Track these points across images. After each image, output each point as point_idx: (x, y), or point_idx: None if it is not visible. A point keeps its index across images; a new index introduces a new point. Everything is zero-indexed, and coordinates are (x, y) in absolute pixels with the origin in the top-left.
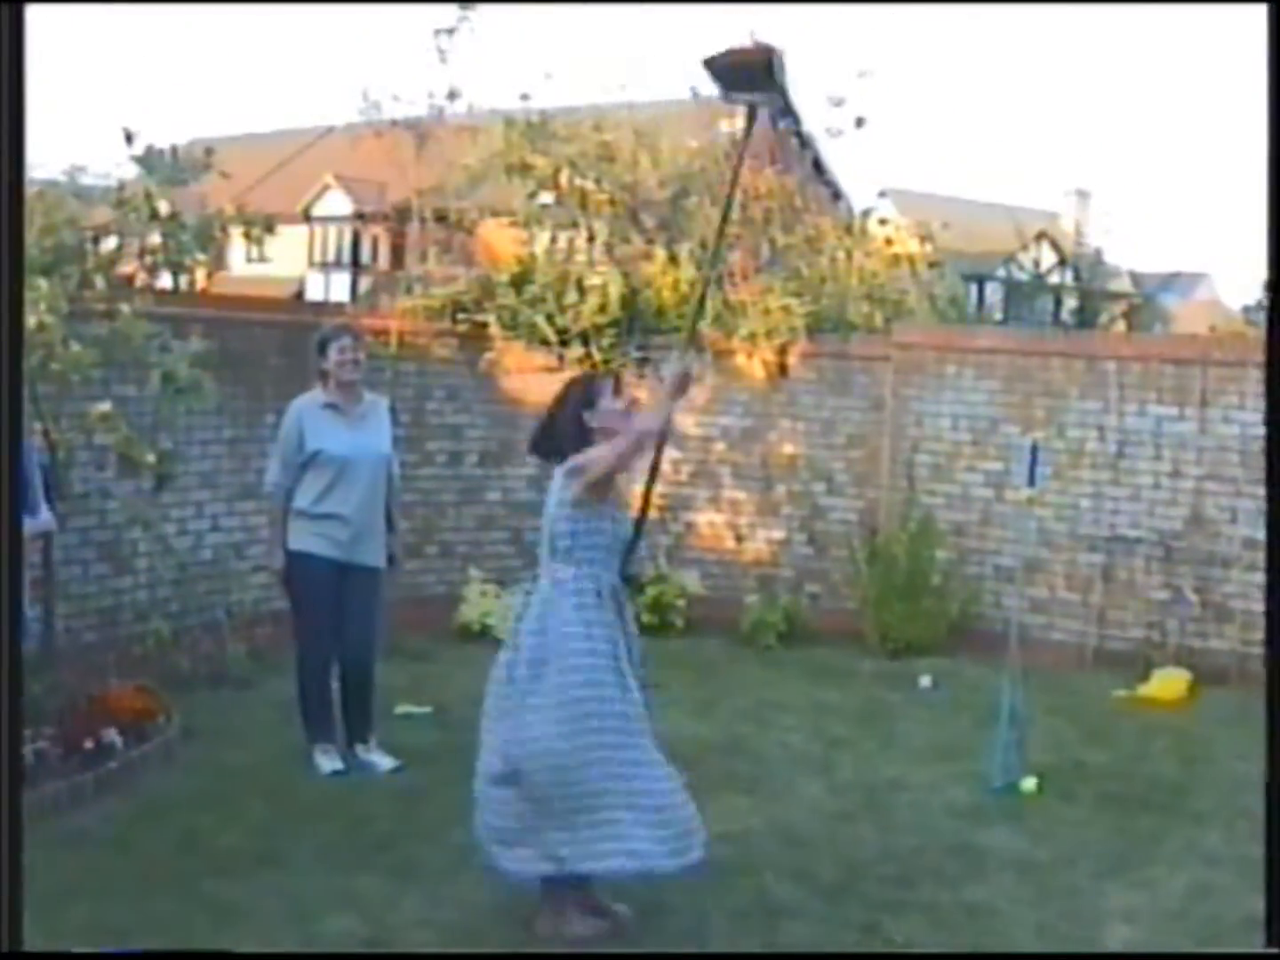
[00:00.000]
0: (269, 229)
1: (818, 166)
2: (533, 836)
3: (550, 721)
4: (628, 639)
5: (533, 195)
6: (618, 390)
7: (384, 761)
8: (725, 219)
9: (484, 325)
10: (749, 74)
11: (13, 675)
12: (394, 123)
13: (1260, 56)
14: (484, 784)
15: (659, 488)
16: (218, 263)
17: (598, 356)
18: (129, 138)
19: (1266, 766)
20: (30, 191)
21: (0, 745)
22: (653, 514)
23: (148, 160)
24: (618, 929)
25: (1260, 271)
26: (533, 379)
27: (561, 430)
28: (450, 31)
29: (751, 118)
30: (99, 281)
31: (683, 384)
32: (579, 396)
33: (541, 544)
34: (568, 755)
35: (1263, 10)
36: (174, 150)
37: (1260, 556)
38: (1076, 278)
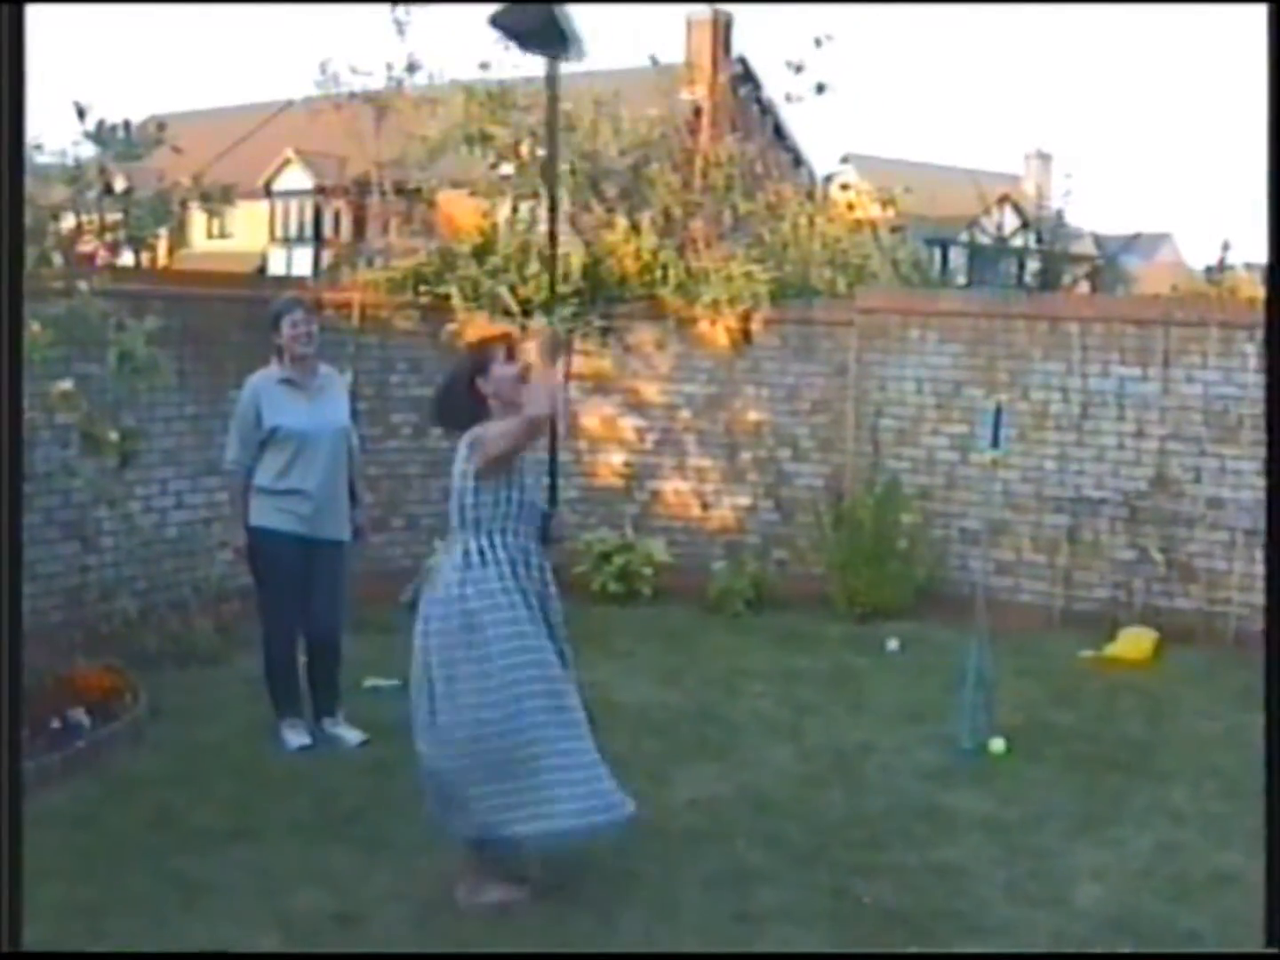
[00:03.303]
0: (227, 200)
1: (779, 133)
2: (461, 800)
3: (476, 691)
4: (545, 602)
5: (494, 166)
6: (510, 356)
7: (351, 735)
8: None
9: (446, 297)
10: (535, 29)
11: (13, 676)
12: (353, 95)
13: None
14: (420, 746)
15: (624, 456)
16: (179, 239)
17: (560, 326)
18: (81, 113)
19: (1266, 766)
20: None
21: (0, 746)
22: (618, 482)
23: (100, 136)
24: (536, 894)
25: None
26: None
27: (457, 400)
28: (408, 2)
29: (553, 72)
30: (57, 260)
31: (554, 347)
32: (471, 365)
33: (451, 513)
34: (495, 724)
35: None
36: (127, 125)
37: (1223, 515)
38: (1039, 240)
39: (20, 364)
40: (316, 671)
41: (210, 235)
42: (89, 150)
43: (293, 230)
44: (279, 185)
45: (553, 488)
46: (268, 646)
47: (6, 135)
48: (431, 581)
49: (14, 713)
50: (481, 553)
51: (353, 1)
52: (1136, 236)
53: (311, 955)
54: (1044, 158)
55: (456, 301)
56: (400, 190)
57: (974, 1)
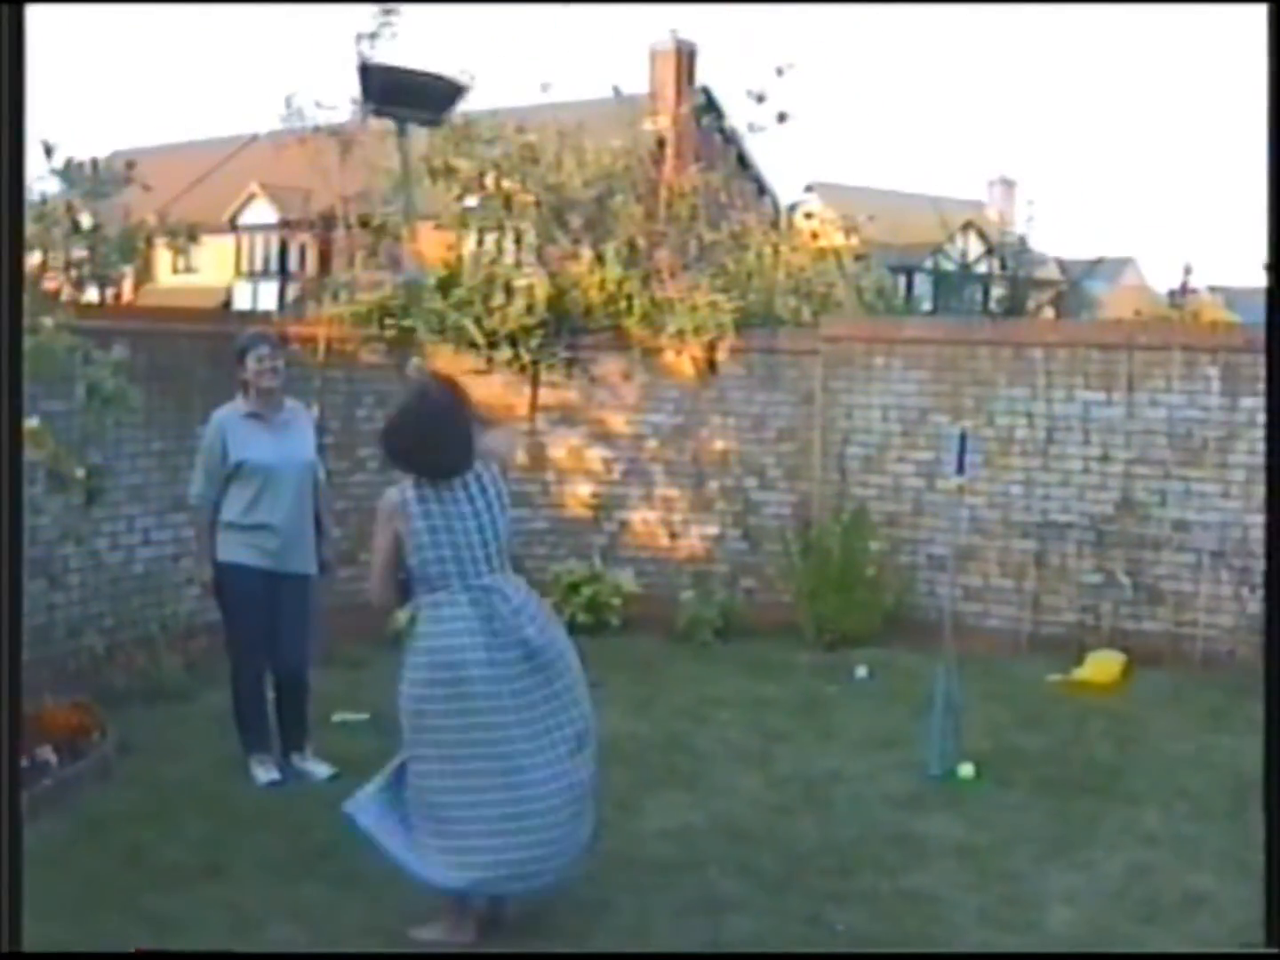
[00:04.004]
0: (192, 239)
1: (742, 162)
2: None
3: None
4: None
5: (458, 198)
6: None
7: (320, 770)
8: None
9: (411, 330)
10: (403, 93)
11: (13, 677)
12: (318, 129)
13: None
14: None
15: (591, 486)
16: (144, 274)
17: (526, 358)
18: (48, 151)
19: (1265, 767)
20: None
21: (1, 749)
22: (586, 513)
23: (68, 173)
24: (507, 925)
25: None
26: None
27: (466, 436)
28: (372, 36)
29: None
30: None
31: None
32: (456, 396)
33: (490, 551)
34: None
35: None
36: (94, 163)
37: (1189, 538)
38: (1003, 266)
39: (20, 363)
40: (285, 706)
41: (175, 270)
42: (54, 186)
43: (258, 264)
44: (244, 219)
45: None
46: (235, 682)
47: (7, 136)
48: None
49: (14, 712)
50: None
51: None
52: (1100, 261)
53: (311, 955)
54: (1007, 184)
55: (422, 335)
56: (365, 223)
57: (942, 1)
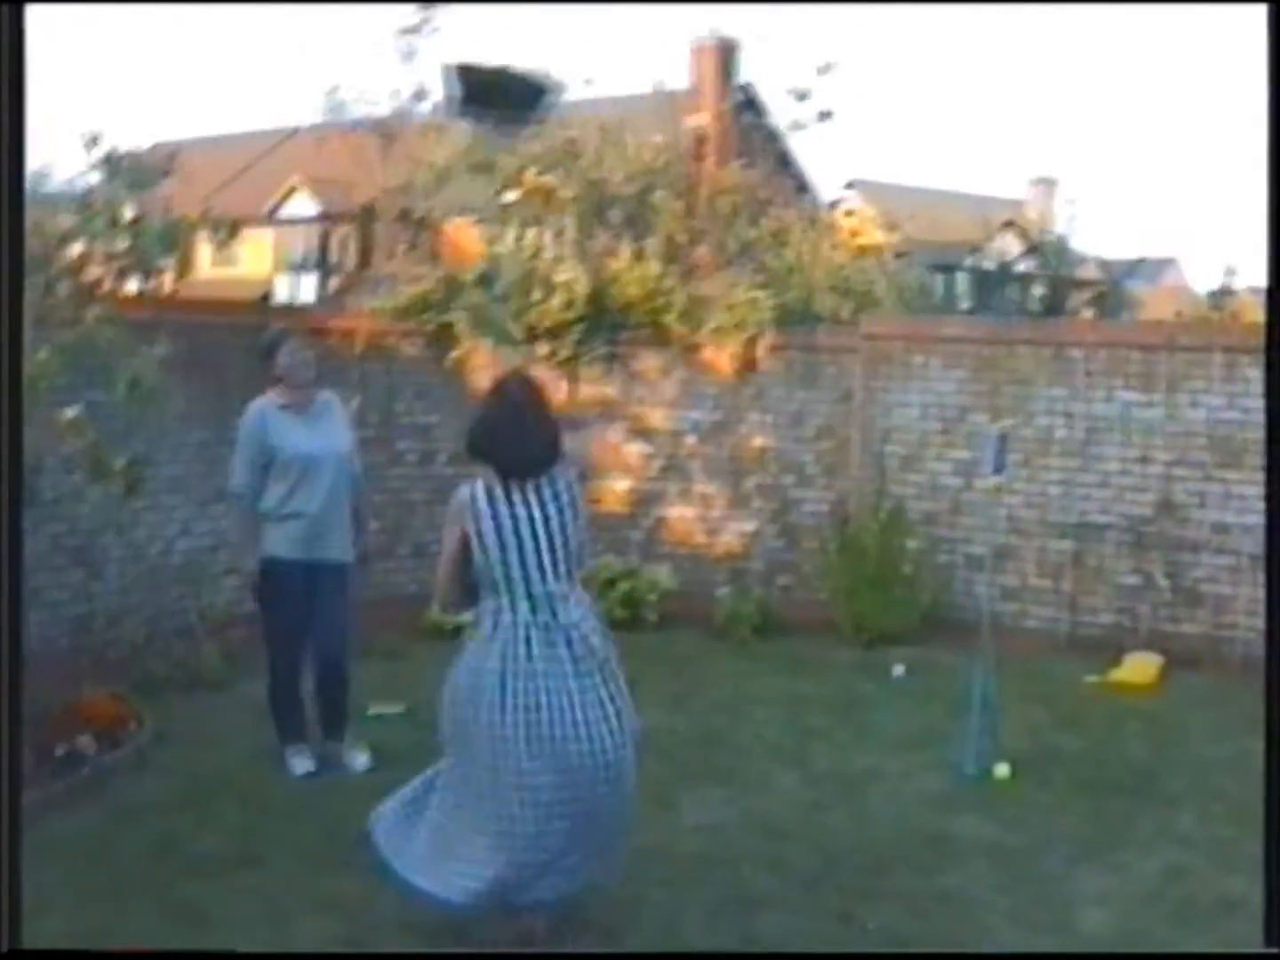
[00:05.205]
0: (233, 234)
1: (783, 159)
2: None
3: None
4: None
5: (498, 193)
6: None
7: (359, 760)
8: None
9: (451, 324)
10: (493, 93)
11: (13, 676)
12: (359, 123)
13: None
14: None
15: (629, 482)
16: (185, 267)
17: (565, 353)
18: (91, 143)
19: (1265, 767)
20: None
21: (1, 748)
22: (623, 509)
23: (110, 165)
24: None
25: (1226, 255)
26: None
27: (556, 428)
28: (414, 31)
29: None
30: (64, 288)
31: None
32: (540, 392)
33: (557, 559)
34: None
35: (1261, 10)
36: (136, 155)
37: (1229, 540)
38: (1043, 266)
39: (20, 363)
40: (324, 696)
41: (216, 263)
42: (96, 177)
43: (299, 257)
44: (285, 212)
45: None
46: (272, 673)
47: (7, 136)
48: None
49: (14, 712)
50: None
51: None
52: (1141, 261)
53: (313, 956)
54: (1048, 183)
55: (461, 329)
56: (406, 217)
57: (976, 1)
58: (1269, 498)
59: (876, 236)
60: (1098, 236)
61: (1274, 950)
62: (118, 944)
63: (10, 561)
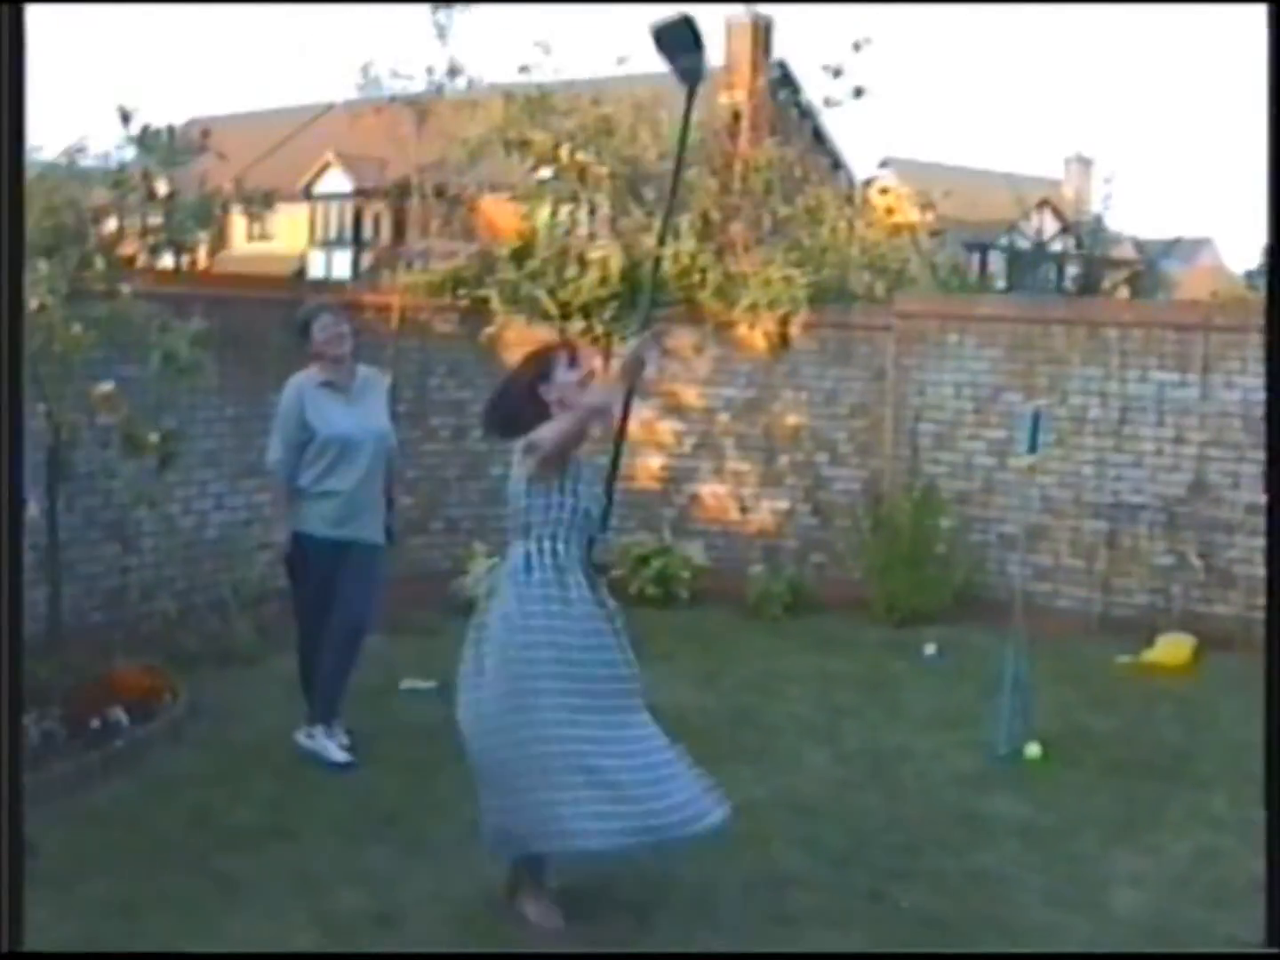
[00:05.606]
0: (268, 206)
1: (818, 137)
2: (486, 810)
3: (494, 697)
4: (595, 613)
5: (533, 170)
6: (574, 362)
7: (335, 752)
8: (674, 192)
9: (485, 300)
10: (678, 38)
11: (13, 676)
12: (393, 99)
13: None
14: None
15: (662, 459)
16: (219, 242)
17: (599, 330)
18: (125, 118)
19: (1265, 768)
20: (30, 174)
21: (1, 744)
22: (656, 485)
23: (144, 140)
24: (574, 897)
25: (1261, 236)
26: None
27: (515, 405)
28: (449, 6)
29: (693, 88)
30: (99, 262)
31: (635, 367)
32: (534, 370)
33: (507, 522)
34: (505, 731)
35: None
36: (170, 130)
37: (1263, 521)
38: (1078, 245)
39: (20, 354)
40: (330, 667)
41: (250, 238)
42: (131, 152)
43: (333, 233)
44: (319, 188)
45: (607, 510)
46: (302, 650)
47: (7, 136)
48: (486, 589)
49: (14, 712)
50: (528, 557)
51: (394, 1)
52: (1177, 241)
53: (313, 955)
54: (1084, 162)
55: (495, 305)
56: (440, 193)
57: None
58: (1270, 493)
59: (911, 215)
60: (1133, 216)
61: (1274, 950)
62: (151, 913)
63: (10, 552)
